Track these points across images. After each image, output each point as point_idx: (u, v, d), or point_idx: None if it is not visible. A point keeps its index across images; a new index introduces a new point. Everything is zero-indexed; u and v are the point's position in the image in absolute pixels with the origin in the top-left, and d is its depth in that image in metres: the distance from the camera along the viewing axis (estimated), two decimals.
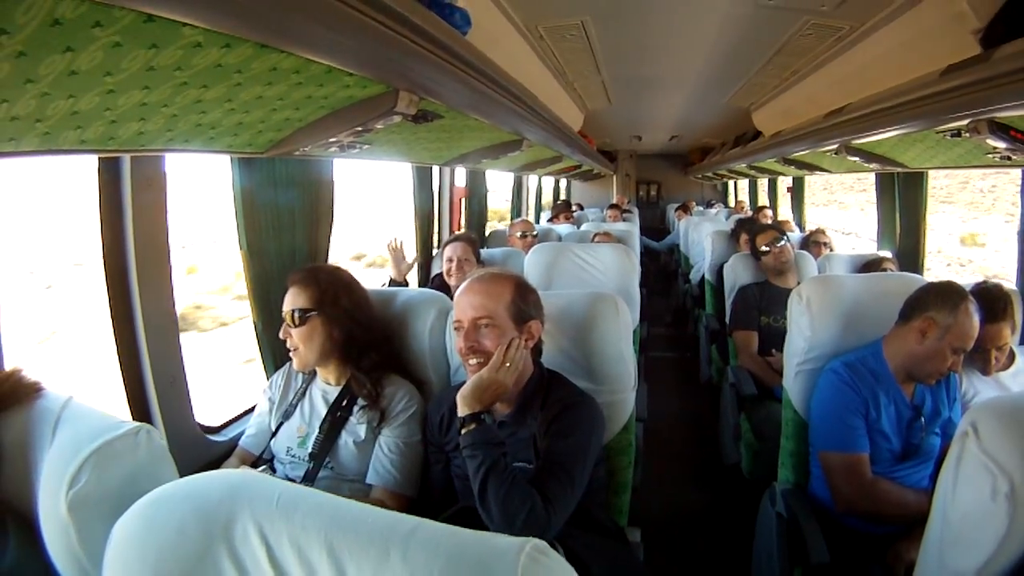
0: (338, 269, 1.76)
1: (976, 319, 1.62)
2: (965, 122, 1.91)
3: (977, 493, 0.93)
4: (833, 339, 1.89)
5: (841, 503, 1.70)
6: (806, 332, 1.90)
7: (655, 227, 9.21)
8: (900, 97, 2.11)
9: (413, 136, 2.16)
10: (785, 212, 6.84)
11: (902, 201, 3.70)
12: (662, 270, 7.72)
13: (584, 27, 2.58)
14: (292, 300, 1.63)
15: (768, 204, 7.41)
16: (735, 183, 9.74)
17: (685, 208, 8.22)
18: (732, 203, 9.68)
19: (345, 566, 0.60)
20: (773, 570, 1.79)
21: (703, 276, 4.54)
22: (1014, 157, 2.17)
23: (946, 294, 1.66)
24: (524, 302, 1.46)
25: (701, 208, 8.72)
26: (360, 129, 1.60)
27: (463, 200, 4.44)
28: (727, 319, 3.32)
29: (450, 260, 2.76)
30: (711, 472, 3.18)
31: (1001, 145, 1.98)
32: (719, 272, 3.85)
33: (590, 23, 2.54)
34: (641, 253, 5.28)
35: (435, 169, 3.73)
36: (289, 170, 2.00)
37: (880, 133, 2.46)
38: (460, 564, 0.58)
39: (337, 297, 1.64)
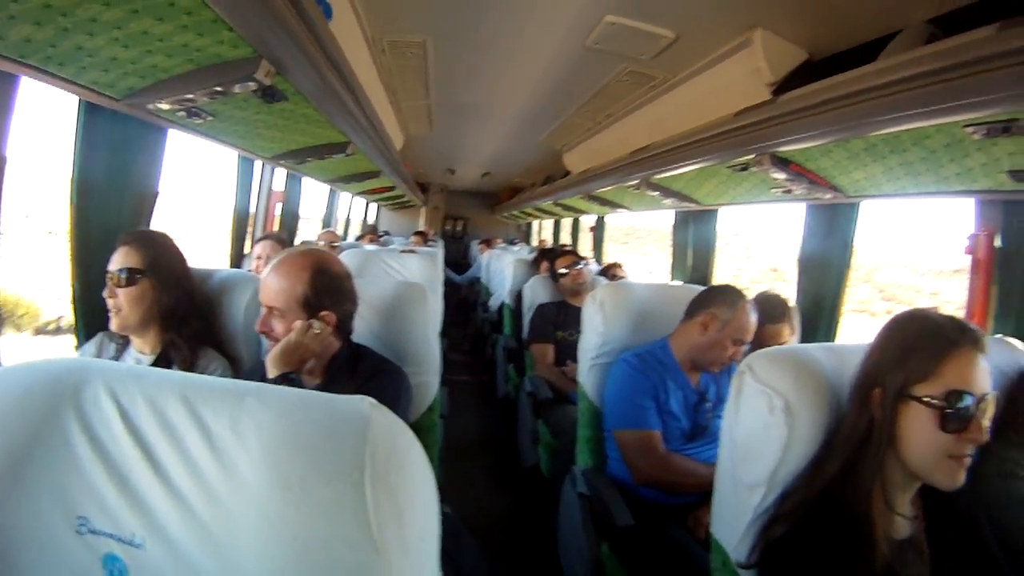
0: (169, 236, 1.70)
1: (753, 316, 1.87)
2: (752, 156, 2.25)
3: (757, 411, 1.09)
4: (624, 336, 2.07)
5: (638, 476, 1.84)
6: (599, 329, 2.07)
7: (458, 261, 9.47)
8: (698, 135, 2.45)
9: (255, 116, 2.18)
10: (586, 252, 7.40)
11: (694, 237, 4.08)
12: (462, 302, 7.92)
13: (424, 47, 2.68)
14: (122, 259, 1.56)
15: (571, 243, 7.90)
16: (540, 223, 10.38)
17: (488, 243, 8.55)
18: (535, 242, 10.21)
19: (201, 413, 0.59)
20: (581, 549, 1.86)
21: (502, 303, 4.74)
22: (794, 190, 2.59)
23: (726, 293, 1.91)
24: (319, 294, 1.44)
25: (505, 245, 9.14)
26: (219, 90, 1.68)
27: (279, 205, 4.34)
28: (524, 335, 3.49)
29: (259, 258, 2.63)
30: (512, 476, 3.28)
31: (781, 176, 2.36)
32: (518, 296, 4.03)
33: (430, 43, 2.65)
34: (443, 284, 5.39)
35: (257, 171, 3.64)
36: (128, 133, 1.98)
37: (679, 168, 2.78)
38: (314, 402, 0.61)
39: (170, 263, 1.62)
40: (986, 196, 2.00)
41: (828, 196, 2.45)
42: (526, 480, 3.07)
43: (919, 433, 1.00)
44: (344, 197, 7.00)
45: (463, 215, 10.99)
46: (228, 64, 1.56)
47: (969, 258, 2.12)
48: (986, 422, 1.00)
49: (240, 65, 1.56)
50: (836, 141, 1.92)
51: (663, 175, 3.06)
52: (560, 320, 3.22)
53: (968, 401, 0.98)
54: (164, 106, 1.78)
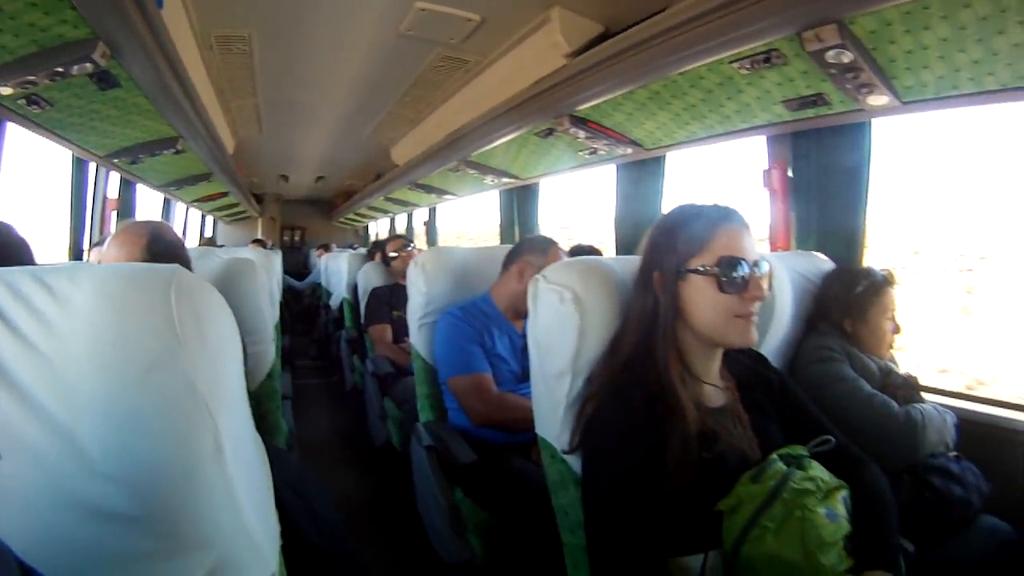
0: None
1: (564, 260, 2.02)
2: (554, 119, 2.42)
3: (551, 307, 1.20)
4: (446, 295, 2.17)
5: (476, 418, 1.92)
6: (423, 290, 2.15)
7: (299, 272, 9.16)
8: (505, 107, 2.60)
9: (91, 105, 2.18)
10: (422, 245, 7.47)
11: (520, 212, 4.28)
12: (306, 311, 7.69)
13: (250, 41, 2.63)
14: None
15: None
16: (377, 226, 10.28)
17: (327, 247, 8.40)
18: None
19: (44, 277, 0.65)
20: (436, 499, 1.90)
21: (342, 299, 4.72)
22: (598, 149, 2.75)
23: (537, 241, 2.07)
24: (156, 258, 1.44)
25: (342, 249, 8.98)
26: (59, 71, 1.74)
27: (115, 212, 4.05)
28: (362, 321, 3.52)
29: (98, 263, 2.42)
30: (368, 460, 3.31)
31: (582, 135, 2.52)
32: (356, 288, 4.06)
33: (255, 38, 2.61)
34: (284, 291, 5.23)
35: (91, 176, 3.59)
36: None
37: (492, 141, 2.93)
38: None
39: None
40: (771, 130, 2.24)
41: (629, 151, 2.68)
42: (382, 459, 3.11)
43: (702, 300, 1.08)
44: (180, 210, 6.57)
45: (300, 224, 10.60)
46: (69, 45, 1.64)
47: (767, 192, 2.38)
48: (764, 283, 1.09)
49: (79, 46, 1.64)
50: (624, 94, 2.12)
51: (479, 151, 3.22)
52: (395, 300, 3.28)
53: (742, 265, 1.06)
54: (6, 91, 1.82)
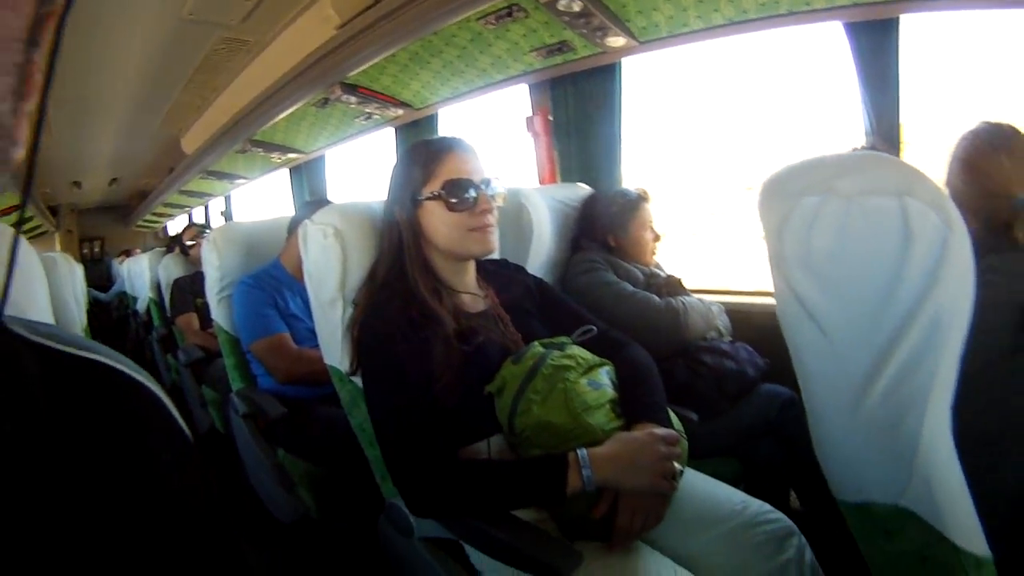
0: None
1: None
2: (327, 88, 2.47)
3: (316, 243, 1.31)
4: (240, 267, 2.24)
5: (280, 376, 1.99)
6: (216, 264, 2.21)
7: (103, 285, 8.30)
8: (283, 82, 2.63)
9: None
10: None
11: (309, 187, 4.41)
12: (115, 325, 7.05)
13: None
14: None
15: None
16: (176, 224, 9.56)
17: (127, 253, 7.84)
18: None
19: None
20: (262, 464, 1.95)
21: (148, 300, 4.45)
22: (373, 114, 2.84)
23: (314, 205, 2.07)
24: None
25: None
26: None
27: None
28: (170, 314, 3.42)
29: None
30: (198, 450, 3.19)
31: (354, 101, 2.60)
32: (159, 286, 3.89)
33: None
34: (91, 305, 4.80)
35: None
36: None
37: (273, 117, 2.94)
38: None
39: None
40: (529, 79, 2.45)
41: (401, 112, 2.83)
42: (211, 446, 3.06)
43: (437, 222, 1.18)
44: None
45: (98, 234, 9.50)
46: None
47: (531, 136, 2.64)
48: (496, 199, 1.21)
49: None
50: (387, 57, 2.23)
51: (263, 128, 3.22)
52: (197, 288, 3.19)
53: (467, 186, 1.16)
54: None
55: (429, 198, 1.18)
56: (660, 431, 1.04)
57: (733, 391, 1.75)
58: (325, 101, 2.78)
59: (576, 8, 1.84)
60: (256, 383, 2.17)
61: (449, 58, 2.35)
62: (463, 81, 2.55)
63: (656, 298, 1.85)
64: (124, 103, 3.71)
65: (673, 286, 1.95)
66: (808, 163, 0.69)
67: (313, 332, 2.07)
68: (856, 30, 1.85)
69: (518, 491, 1.02)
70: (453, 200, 1.16)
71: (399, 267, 1.21)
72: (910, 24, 1.81)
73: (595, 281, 1.88)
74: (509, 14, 1.93)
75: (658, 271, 2.05)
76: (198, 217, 7.93)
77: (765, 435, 1.74)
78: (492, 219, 1.20)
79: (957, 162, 1.18)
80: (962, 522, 0.67)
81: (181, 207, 7.72)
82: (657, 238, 2.07)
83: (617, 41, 2.09)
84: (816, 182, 0.64)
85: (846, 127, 2.00)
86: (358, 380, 1.27)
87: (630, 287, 1.87)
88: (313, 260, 1.34)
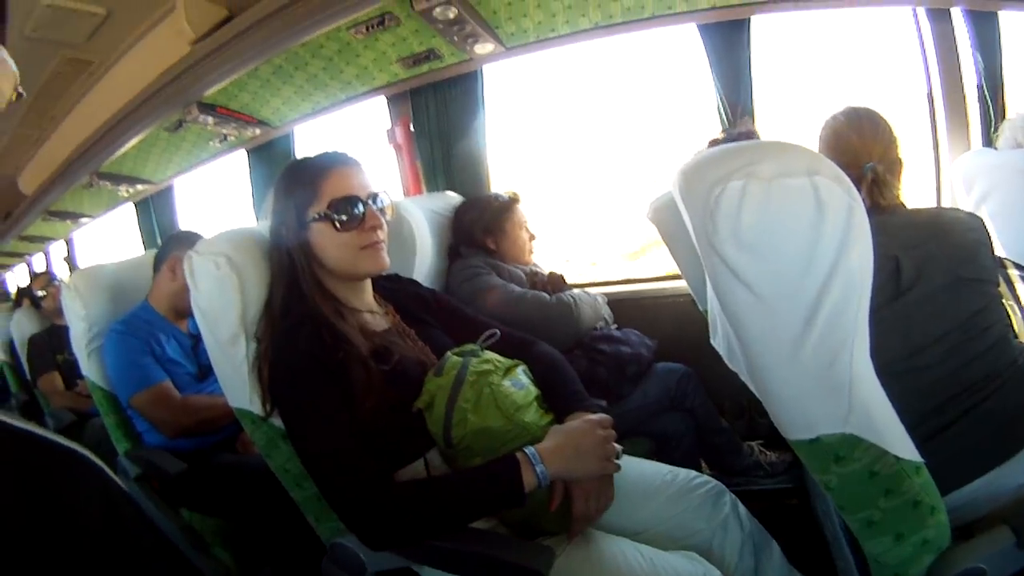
0: None
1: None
2: (181, 109, 2.31)
3: (208, 275, 1.17)
4: (107, 314, 2.01)
5: (168, 429, 1.83)
6: (82, 314, 1.97)
7: None
8: (132, 105, 2.42)
9: None
10: None
11: (159, 220, 4.07)
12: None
13: None
14: None
15: None
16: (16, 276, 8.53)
17: None
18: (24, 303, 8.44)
19: None
20: (167, 530, 1.82)
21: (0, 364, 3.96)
22: (229, 135, 2.69)
23: (182, 236, 2.01)
24: None
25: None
26: None
27: None
28: (30, 377, 3.08)
29: None
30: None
31: (211, 121, 2.46)
32: (11, 348, 3.47)
33: None
34: None
35: None
36: None
37: (121, 146, 2.71)
38: None
39: None
40: (391, 90, 2.41)
41: (258, 132, 2.71)
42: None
43: (327, 243, 1.15)
44: None
45: None
46: None
47: (392, 148, 2.60)
48: (385, 213, 1.18)
49: None
50: (249, 72, 2.12)
51: (110, 160, 2.95)
52: (56, 343, 2.92)
53: (355, 203, 1.14)
54: None
55: (315, 219, 1.14)
56: (594, 417, 1.09)
57: (633, 374, 1.86)
58: (179, 124, 2.59)
59: (451, 15, 1.86)
60: (142, 440, 1.98)
61: (314, 71, 2.27)
62: (325, 95, 2.49)
63: (546, 295, 1.92)
64: None
65: (557, 282, 2.03)
66: (724, 152, 0.77)
67: (194, 376, 2.02)
68: (710, 31, 2.03)
69: (478, 501, 1.01)
70: (342, 218, 1.13)
71: (297, 292, 1.16)
72: (761, 25, 2.06)
73: (481, 287, 1.91)
74: (382, 23, 1.92)
75: (538, 269, 2.12)
76: (38, 266, 7.12)
77: (669, 410, 1.89)
78: (382, 235, 1.18)
79: (821, 142, 1.37)
80: (898, 438, 0.83)
81: (20, 255, 6.90)
82: (532, 237, 2.15)
83: (485, 48, 2.13)
84: (737, 168, 0.72)
85: (704, 120, 2.21)
86: (275, 420, 1.18)
87: (518, 289, 1.92)
88: (206, 295, 1.21)
